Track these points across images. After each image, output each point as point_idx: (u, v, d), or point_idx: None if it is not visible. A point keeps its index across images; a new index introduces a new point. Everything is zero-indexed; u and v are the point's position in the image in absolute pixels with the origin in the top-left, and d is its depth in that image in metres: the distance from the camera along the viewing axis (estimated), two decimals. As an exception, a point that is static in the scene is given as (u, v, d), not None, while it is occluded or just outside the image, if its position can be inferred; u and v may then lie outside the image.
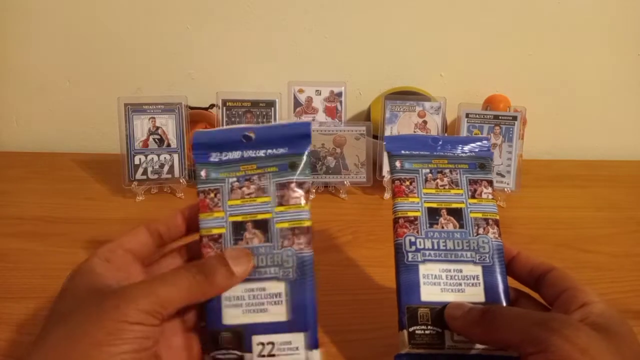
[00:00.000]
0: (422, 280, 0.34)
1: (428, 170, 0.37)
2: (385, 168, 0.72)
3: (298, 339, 0.30)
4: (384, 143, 0.39)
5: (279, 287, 0.31)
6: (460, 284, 0.34)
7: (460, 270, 0.34)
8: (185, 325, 0.32)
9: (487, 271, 0.34)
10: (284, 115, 0.75)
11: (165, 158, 0.71)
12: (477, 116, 0.71)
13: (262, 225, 0.32)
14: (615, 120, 0.95)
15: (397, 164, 0.37)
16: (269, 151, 0.34)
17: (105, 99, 0.89)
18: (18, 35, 0.86)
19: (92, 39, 0.86)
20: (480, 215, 0.36)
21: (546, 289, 0.32)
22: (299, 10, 0.85)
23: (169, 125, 0.71)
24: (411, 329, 0.32)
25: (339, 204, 0.72)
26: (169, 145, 0.71)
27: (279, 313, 0.31)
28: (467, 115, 0.71)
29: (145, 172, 0.71)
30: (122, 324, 0.24)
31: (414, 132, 0.72)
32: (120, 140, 0.70)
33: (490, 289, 0.33)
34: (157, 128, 0.71)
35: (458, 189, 0.37)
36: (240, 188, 0.33)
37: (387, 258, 0.58)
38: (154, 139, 0.71)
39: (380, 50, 0.88)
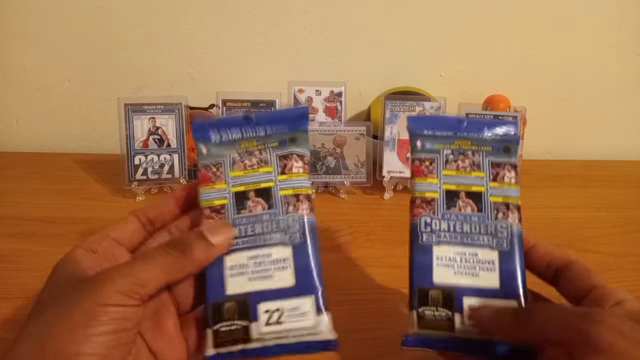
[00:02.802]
0: (435, 261, 0.33)
1: (450, 151, 0.36)
2: (386, 168, 0.73)
3: (306, 303, 0.30)
4: (407, 122, 0.37)
5: (285, 252, 0.31)
6: (475, 268, 0.33)
7: (476, 254, 0.33)
8: (180, 308, 0.31)
9: (504, 257, 0.33)
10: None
11: (165, 158, 0.71)
12: (477, 116, 0.71)
13: (265, 193, 0.32)
14: (615, 120, 0.95)
15: (418, 143, 0.36)
16: (269, 130, 0.34)
17: (105, 99, 0.89)
18: (18, 35, 0.86)
19: (92, 39, 0.86)
20: (500, 199, 0.34)
21: (568, 285, 0.31)
22: (299, 10, 0.85)
23: (169, 125, 0.71)
24: (420, 310, 0.32)
25: (339, 204, 0.72)
26: (169, 145, 0.71)
27: (285, 278, 0.30)
28: (467, 115, 0.71)
29: (145, 172, 0.71)
30: (99, 306, 0.24)
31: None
32: (120, 141, 0.70)
33: (505, 275, 0.32)
34: (157, 128, 0.71)
35: (479, 172, 0.35)
36: (242, 161, 0.33)
37: (387, 258, 0.58)
38: (154, 139, 0.71)
39: (380, 50, 0.88)
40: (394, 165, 0.73)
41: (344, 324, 0.47)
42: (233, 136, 0.34)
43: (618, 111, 0.95)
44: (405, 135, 0.73)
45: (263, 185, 0.33)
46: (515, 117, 0.70)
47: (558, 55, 0.89)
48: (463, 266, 0.33)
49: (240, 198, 0.32)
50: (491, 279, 0.32)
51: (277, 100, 0.73)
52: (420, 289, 0.32)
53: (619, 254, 0.60)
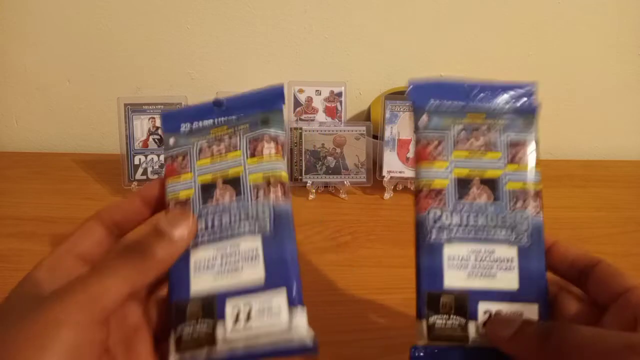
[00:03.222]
0: (446, 262, 0.29)
1: (461, 127, 0.31)
2: (386, 168, 0.73)
3: (278, 297, 0.26)
4: (409, 89, 0.32)
5: (255, 241, 0.28)
6: (492, 268, 0.29)
7: (492, 252, 0.29)
8: (159, 335, 0.29)
9: (524, 253, 0.29)
10: (284, 116, 0.75)
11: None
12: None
13: (234, 181, 0.29)
14: (615, 120, 0.95)
15: (424, 118, 0.31)
16: (242, 114, 0.31)
17: (105, 99, 0.89)
18: (18, 35, 0.86)
19: (92, 39, 0.86)
20: (520, 185, 0.30)
21: (596, 287, 0.28)
22: (299, 10, 0.85)
23: (168, 125, 0.71)
24: (431, 319, 0.28)
25: (339, 204, 0.72)
26: (168, 145, 0.71)
27: (255, 271, 0.27)
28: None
29: (145, 172, 0.71)
30: (49, 326, 0.22)
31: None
32: (120, 141, 0.70)
33: (525, 275, 0.29)
34: (157, 128, 0.71)
35: (495, 152, 0.30)
36: (209, 148, 0.31)
37: (386, 258, 0.58)
38: (153, 139, 0.71)
39: (380, 50, 0.88)
40: (394, 165, 0.73)
41: (343, 324, 0.47)
42: (203, 124, 0.31)
43: (618, 111, 0.94)
44: (405, 135, 0.73)
45: (231, 171, 0.30)
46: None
47: (558, 55, 0.89)
48: (478, 266, 0.29)
49: (207, 188, 0.29)
50: (509, 280, 0.29)
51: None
52: (430, 294, 0.29)
53: (619, 254, 0.60)
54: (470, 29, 0.87)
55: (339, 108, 0.77)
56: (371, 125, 0.74)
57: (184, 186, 0.30)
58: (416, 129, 0.31)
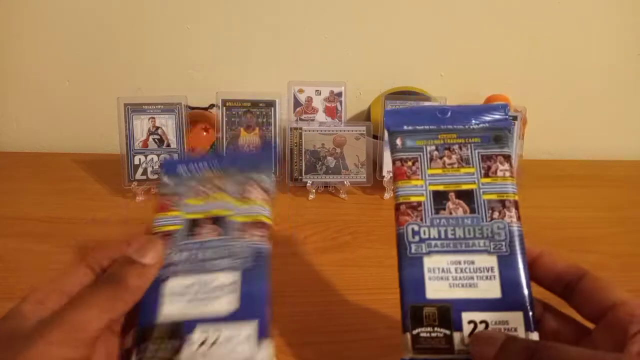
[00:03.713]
0: (427, 275, 0.30)
1: (434, 147, 0.33)
2: (386, 168, 0.73)
3: (246, 329, 0.27)
4: (384, 118, 0.34)
5: (231, 276, 0.29)
6: (472, 278, 0.30)
7: (472, 262, 0.30)
8: None
9: (504, 262, 0.30)
10: (284, 116, 0.75)
11: (165, 158, 0.71)
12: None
13: (219, 220, 0.32)
14: (615, 120, 0.95)
15: (398, 141, 0.33)
16: (237, 167, 0.34)
17: (105, 99, 0.89)
18: (18, 35, 0.86)
19: (91, 39, 0.86)
20: (495, 196, 0.31)
21: (582, 301, 0.28)
22: (299, 10, 0.85)
23: (168, 125, 0.71)
24: (415, 332, 0.29)
25: (339, 204, 0.72)
26: (168, 145, 0.71)
27: (228, 302, 0.28)
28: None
29: (145, 172, 0.71)
30: None
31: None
32: (120, 141, 0.70)
33: (507, 283, 0.29)
34: (157, 128, 0.71)
35: (469, 167, 0.32)
36: (204, 190, 0.33)
37: (386, 258, 0.58)
38: (153, 139, 0.71)
39: (380, 50, 0.88)
40: (394, 165, 0.73)
41: (343, 324, 0.47)
42: (201, 171, 0.34)
43: (618, 111, 0.94)
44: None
45: (218, 212, 0.32)
46: (515, 117, 0.70)
47: (558, 55, 0.89)
48: (459, 277, 0.30)
49: (194, 225, 0.32)
50: (491, 289, 0.29)
51: (277, 100, 0.73)
52: (413, 307, 0.29)
53: (619, 254, 0.60)
54: (471, 29, 0.87)
55: (339, 108, 0.77)
56: (371, 125, 0.74)
57: (170, 221, 0.32)
58: (392, 151, 0.33)
